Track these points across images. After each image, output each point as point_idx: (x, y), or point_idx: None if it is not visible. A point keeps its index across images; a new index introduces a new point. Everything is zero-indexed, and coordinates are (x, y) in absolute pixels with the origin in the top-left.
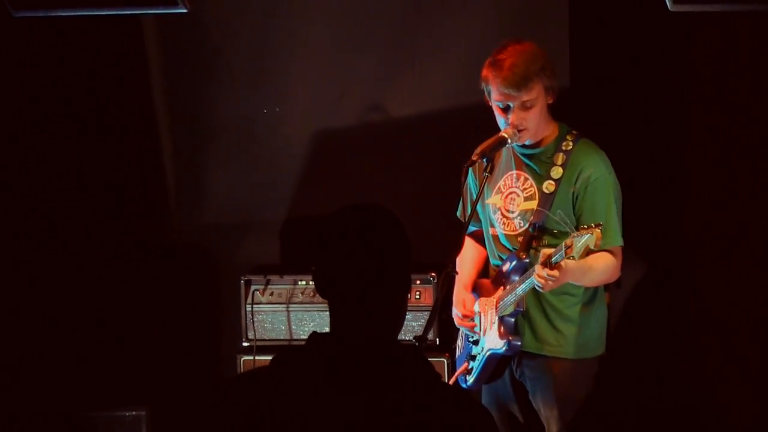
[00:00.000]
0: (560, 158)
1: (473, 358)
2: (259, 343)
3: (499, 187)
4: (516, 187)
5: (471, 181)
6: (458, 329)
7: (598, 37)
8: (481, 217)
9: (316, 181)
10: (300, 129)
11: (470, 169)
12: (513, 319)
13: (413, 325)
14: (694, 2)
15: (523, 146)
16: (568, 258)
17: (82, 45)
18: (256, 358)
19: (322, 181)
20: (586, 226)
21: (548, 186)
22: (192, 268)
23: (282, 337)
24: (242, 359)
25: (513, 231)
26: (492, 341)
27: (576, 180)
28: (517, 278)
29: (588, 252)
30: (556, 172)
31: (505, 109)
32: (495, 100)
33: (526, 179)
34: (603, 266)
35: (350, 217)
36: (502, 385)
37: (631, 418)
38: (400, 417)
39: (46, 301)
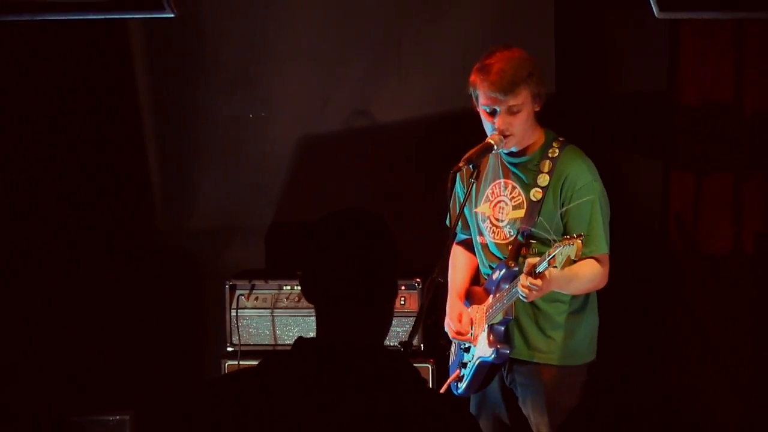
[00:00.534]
0: (547, 165)
1: (465, 365)
2: (243, 348)
3: (487, 196)
4: (504, 195)
5: (458, 188)
6: (447, 335)
7: (583, 44)
8: (470, 225)
9: (301, 186)
10: (286, 133)
11: (457, 175)
12: (502, 327)
13: (398, 331)
14: (681, 9)
15: (510, 154)
16: (552, 267)
17: (69, 48)
18: (241, 362)
19: (307, 185)
20: (568, 237)
21: (535, 194)
22: (177, 271)
23: (267, 342)
24: (226, 364)
25: (503, 240)
26: (481, 349)
27: (562, 187)
28: (506, 286)
29: (570, 262)
30: (543, 179)
31: (492, 114)
32: (482, 105)
33: (513, 188)
34: (589, 274)
35: (337, 222)
36: (491, 391)
37: (621, 425)
38: (386, 422)
39: (31, 304)
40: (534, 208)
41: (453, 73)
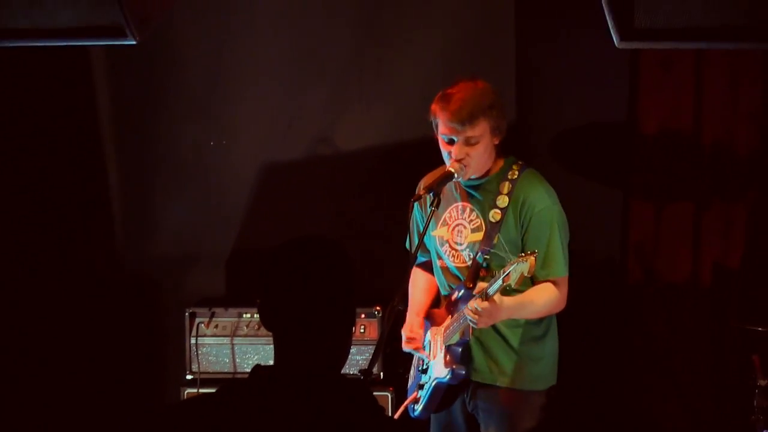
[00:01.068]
0: (506, 187)
1: (422, 387)
2: (203, 376)
3: (445, 219)
4: (462, 219)
5: (417, 214)
6: (408, 363)
7: (544, 73)
8: (429, 248)
9: (262, 213)
10: (247, 161)
11: (416, 202)
12: (459, 348)
13: (357, 359)
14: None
15: (469, 178)
16: (506, 285)
17: (29, 75)
18: (200, 390)
19: (268, 213)
20: (522, 254)
21: (494, 215)
22: (137, 298)
23: (226, 370)
24: (186, 392)
25: (462, 263)
26: (438, 370)
27: (521, 210)
28: (464, 307)
29: (524, 279)
30: (502, 200)
31: (450, 143)
32: (441, 133)
33: (471, 211)
34: (545, 299)
35: (296, 250)
36: (453, 417)
37: None
38: None
39: None
40: (493, 229)
41: (414, 102)
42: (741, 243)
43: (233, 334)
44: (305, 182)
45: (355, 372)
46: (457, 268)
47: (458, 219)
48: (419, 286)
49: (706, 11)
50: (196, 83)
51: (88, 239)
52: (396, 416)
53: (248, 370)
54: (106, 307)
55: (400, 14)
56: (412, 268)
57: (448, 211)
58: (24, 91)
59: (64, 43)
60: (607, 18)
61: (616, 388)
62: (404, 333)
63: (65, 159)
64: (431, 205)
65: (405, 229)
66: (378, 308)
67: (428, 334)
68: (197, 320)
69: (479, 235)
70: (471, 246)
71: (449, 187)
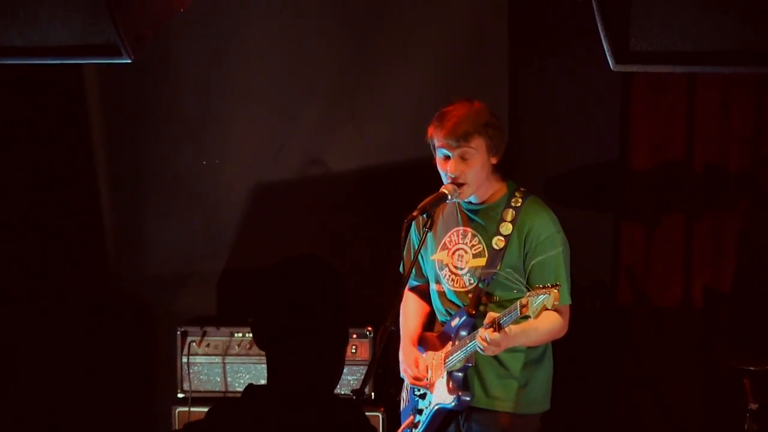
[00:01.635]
0: (510, 214)
1: (420, 411)
2: (194, 395)
3: (445, 243)
4: (463, 243)
5: (413, 236)
6: (399, 383)
7: (536, 96)
8: (425, 272)
9: (254, 233)
10: (239, 181)
11: (412, 223)
12: (461, 375)
13: (349, 379)
14: (637, 62)
15: (470, 202)
16: (524, 317)
17: (22, 93)
18: (192, 409)
19: (260, 233)
20: (542, 286)
21: (498, 242)
22: (129, 317)
23: (217, 389)
24: (177, 410)
25: (462, 288)
26: (441, 396)
27: (526, 237)
28: (465, 334)
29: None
30: (506, 228)
31: (446, 159)
32: (437, 149)
33: (474, 236)
34: (549, 326)
35: (289, 270)
36: None
37: None
38: None
39: None
40: (496, 257)
41: (406, 123)
42: (732, 266)
43: (225, 353)
44: (297, 202)
45: (347, 392)
46: (456, 292)
47: (459, 243)
48: (411, 312)
49: (700, 35)
50: (190, 103)
51: (81, 258)
52: None
53: (240, 389)
54: (98, 325)
55: (392, 35)
56: (404, 289)
57: (448, 235)
58: (16, 111)
59: (59, 62)
60: (603, 41)
61: (607, 409)
62: (409, 368)
63: (58, 178)
64: (424, 226)
65: (397, 250)
66: (370, 329)
67: (422, 358)
68: (189, 339)
69: (481, 261)
70: (472, 271)
71: (451, 210)
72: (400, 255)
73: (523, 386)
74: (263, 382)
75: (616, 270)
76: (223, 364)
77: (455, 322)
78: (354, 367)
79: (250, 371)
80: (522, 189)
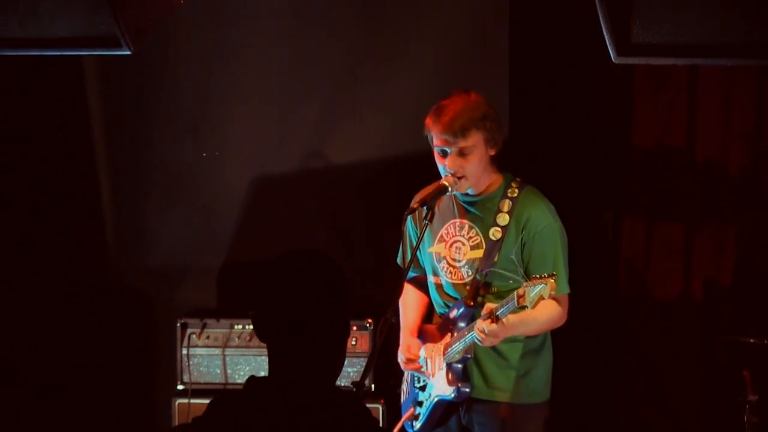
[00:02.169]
0: (506, 205)
1: (420, 403)
2: (194, 387)
3: (442, 236)
4: (460, 235)
5: (410, 228)
6: (399, 375)
7: (537, 89)
8: (422, 264)
9: (255, 226)
10: (240, 174)
11: (410, 216)
12: (461, 366)
13: (349, 371)
14: (639, 55)
15: (467, 194)
16: (521, 308)
17: (22, 86)
18: (191, 401)
19: (261, 225)
20: (539, 276)
21: (495, 233)
22: (129, 310)
23: (217, 381)
24: (177, 402)
25: (460, 280)
26: (440, 388)
27: (523, 228)
28: (464, 325)
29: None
30: (503, 218)
31: (444, 155)
32: (435, 146)
33: (471, 228)
34: (547, 316)
35: (291, 263)
36: (446, 430)
37: None
38: None
39: None
40: (493, 248)
41: (407, 116)
42: (732, 260)
43: (225, 345)
44: (298, 195)
45: (347, 384)
46: (454, 284)
47: (456, 235)
48: (410, 304)
49: (702, 28)
50: (190, 96)
51: (81, 250)
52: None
53: (239, 381)
54: (98, 317)
55: (393, 27)
56: (404, 282)
57: (445, 227)
58: (16, 104)
59: (59, 53)
60: (605, 33)
61: (607, 402)
62: (402, 353)
63: (58, 171)
64: (424, 218)
65: (398, 242)
66: (370, 321)
67: (422, 351)
68: (189, 331)
69: (479, 253)
70: (470, 263)
71: (447, 203)
72: (404, 246)
73: (523, 376)
74: (263, 374)
75: (617, 263)
76: (223, 356)
77: (454, 313)
78: (354, 359)
79: (250, 363)
80: (518, 179)
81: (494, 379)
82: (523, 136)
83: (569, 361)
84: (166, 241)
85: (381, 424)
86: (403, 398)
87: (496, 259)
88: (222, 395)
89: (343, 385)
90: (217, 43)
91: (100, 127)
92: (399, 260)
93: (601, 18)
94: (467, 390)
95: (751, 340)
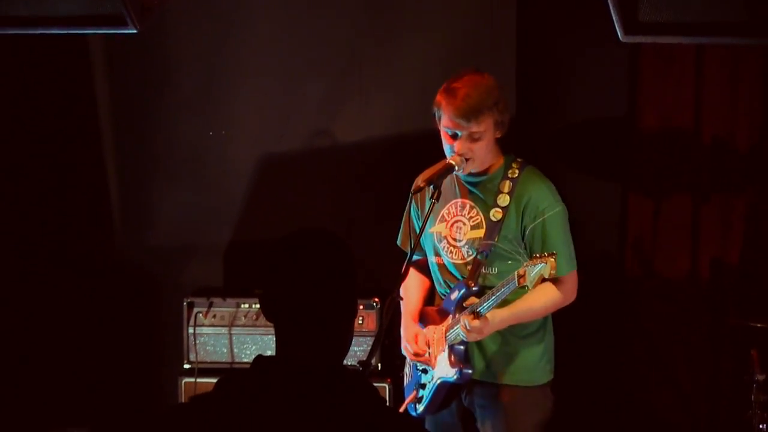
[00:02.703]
0: (507, 186)
1: (423, 386)
2: (200, 366)
3: (443, 216)
4: (461, 215)
5: (413, 211)
6: (403, 356)
7: (544, 67)
8: (423, 245)
9: (261, 205)
10: (246, 152)
11: (414, 197)
12: (463, 348)
13: (355, 350)
14: (646, 33)
15: (469, 174)
16: (522, 288)
17: (27, 64)
18: (198, 380)
19: (267, 204)
20: (539, 255)
21: (495, 214)
22: (135, 288)
23: (224, 360)
24: (183, 381)
25: (461, 260)
26: (443, 370)
27: (524, 208)
28: (466, 307)
29: (542, 280)
30: (503, 199)
31: (453, 137)
32: (444, 126)
33: (472, 207)
34: (544, 301)
35: (297, 242)
36: (447, 412)
37: None
38: None
39: None
40: (494, 228)
41: (414, 95)
42: (740, 238)
43: (231, 324)
44: (304, 174)
45: (354, 363)
46: (455, 264)
47: (457, 215)
48: (411, 287)
49: (709, 6)
50: (195, 75)
51: (87, 230)
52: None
53: (246, 360)
54: (104, 297)
55: (400, 6)
56: (410, 263)
57: (446, 207)
58: (22, 84)
59: (65, 32)
60: (612, 11)
61: (614, 382)
62: (409, 344)
63: (63, 150)
64: (431, 197)
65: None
66: (376, 300)
67: (422, 334)
68: (195, 310)
69: (479, 233)
70: (470, 243)
71: (448, 182)
72: (406, 227)
73: (525, 358)
74: (270, 353)
75: (624, 241)
76: (230, 335)
77: (454, 295)
78: (361, 339)
79: (256, 342)
80: (519, 160)
81: (495, 362)
82: (529, 115)
83: (575, 342)
84: (173, 220)
85: (388, 404)
86: (406, 381)
87: (496, 239)
88: (229, 374)
89: (349, 364)
90: (223, 22)
91: (106, 106)
92: (399, 242)
93: None
94: (469, 371)
95: (759, 325)
